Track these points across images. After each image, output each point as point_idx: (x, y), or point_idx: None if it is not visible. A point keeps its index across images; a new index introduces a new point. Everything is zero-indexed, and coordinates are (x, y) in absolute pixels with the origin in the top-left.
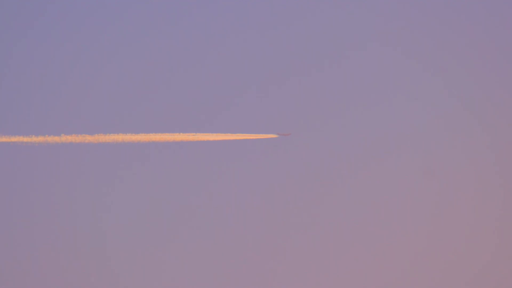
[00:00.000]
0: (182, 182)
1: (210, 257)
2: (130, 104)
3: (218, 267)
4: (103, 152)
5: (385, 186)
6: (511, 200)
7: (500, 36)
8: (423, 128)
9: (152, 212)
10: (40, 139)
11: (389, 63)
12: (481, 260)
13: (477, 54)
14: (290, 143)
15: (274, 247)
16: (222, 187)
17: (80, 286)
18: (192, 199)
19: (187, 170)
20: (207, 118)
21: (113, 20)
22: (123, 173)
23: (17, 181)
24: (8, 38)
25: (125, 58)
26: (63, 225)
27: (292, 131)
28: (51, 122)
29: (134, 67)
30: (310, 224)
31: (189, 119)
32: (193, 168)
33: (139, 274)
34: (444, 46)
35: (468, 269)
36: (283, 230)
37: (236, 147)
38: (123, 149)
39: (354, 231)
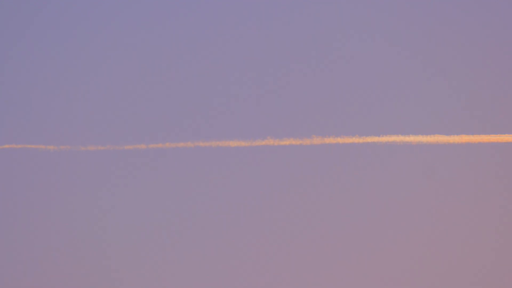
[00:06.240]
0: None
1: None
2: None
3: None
4: (129, 160)
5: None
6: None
7: (504, 35)
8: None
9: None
10: (67, 147)
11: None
12: (483, 262)
13: (482, 53)
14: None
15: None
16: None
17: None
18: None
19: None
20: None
21: (136, 32)
22: (171, 180)
23: (41, 187)
24: (34, 47)
25: (154, 70)
26: (84, 230)
27: None
28: (79, 131)
29: (169, 78)
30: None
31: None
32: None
33: (144, 277)
34: (448, 45)
35: (470, 270)
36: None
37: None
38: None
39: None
